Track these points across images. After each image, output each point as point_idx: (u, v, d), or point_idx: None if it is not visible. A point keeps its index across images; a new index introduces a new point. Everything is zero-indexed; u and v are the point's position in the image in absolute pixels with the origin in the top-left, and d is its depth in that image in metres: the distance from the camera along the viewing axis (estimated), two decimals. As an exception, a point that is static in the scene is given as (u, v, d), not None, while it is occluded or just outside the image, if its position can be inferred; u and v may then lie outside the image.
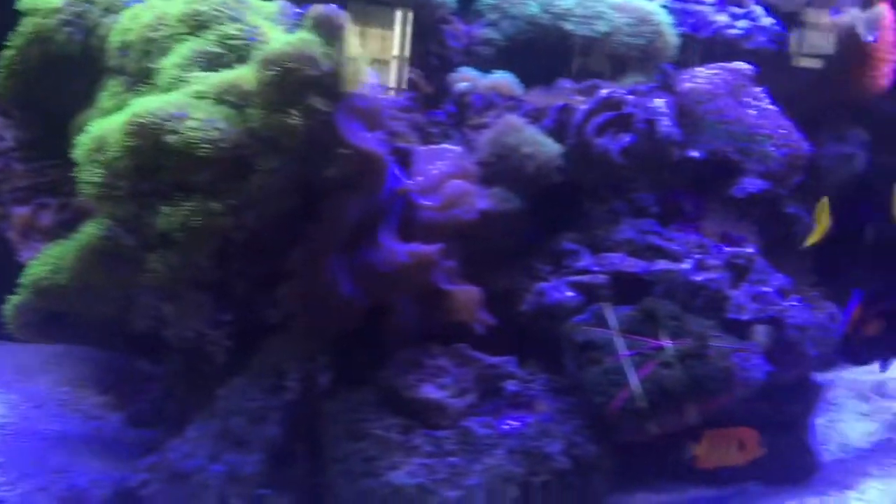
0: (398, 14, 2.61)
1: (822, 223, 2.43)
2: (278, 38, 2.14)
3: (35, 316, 2.26)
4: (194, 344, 2.21)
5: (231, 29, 2.21)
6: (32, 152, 2.75)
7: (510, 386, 2.26)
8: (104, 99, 2.47)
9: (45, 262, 2.19)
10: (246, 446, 2.10)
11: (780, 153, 2.66)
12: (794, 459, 2.49)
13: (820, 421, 2.64)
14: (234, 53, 2.19)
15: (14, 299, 2.24)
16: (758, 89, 2.76)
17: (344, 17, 2.07)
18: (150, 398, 2.60)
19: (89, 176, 2.06)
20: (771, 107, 2.75)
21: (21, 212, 2.67)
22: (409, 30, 2.63)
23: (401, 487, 2.07)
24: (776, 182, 2.66)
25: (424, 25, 2.67)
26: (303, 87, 2.00)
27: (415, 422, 2.15)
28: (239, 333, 2.19)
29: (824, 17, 2.88)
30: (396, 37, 2.62)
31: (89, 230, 2.12)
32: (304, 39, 2.01)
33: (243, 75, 2.10)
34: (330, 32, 2.05)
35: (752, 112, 2.69)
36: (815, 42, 2.93)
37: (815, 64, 2.98)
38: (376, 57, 2.68)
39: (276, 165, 2.02)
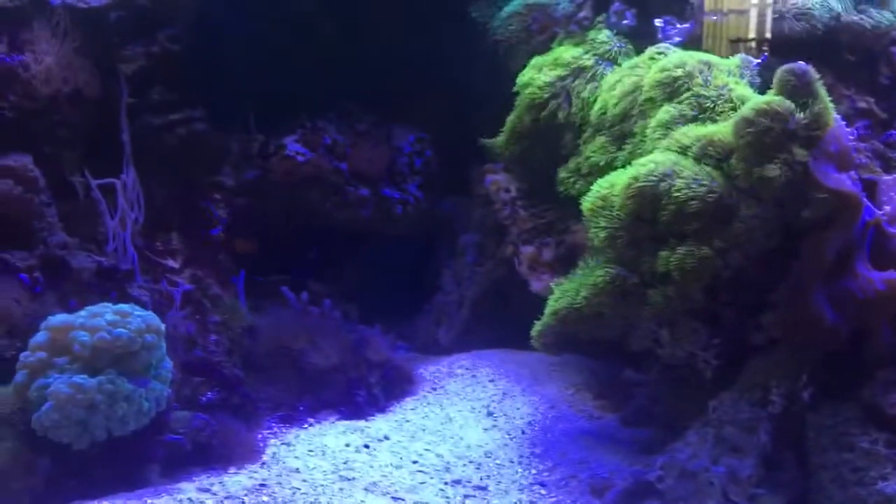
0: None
1: None
2: (748, 96, 2.43)
3: (555, 337, 2.83)
4: (685, 362, 2.60)
5: (702, 91, 2.56)
6: (531, 199, 3.41)
7: None
8: (589, 152, 2.99)
9: (562, 294, 2.73)
10: (741, 451, 2.44)
11: None
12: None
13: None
14: (706, 113, 2.54)
15: (539, 324, 2.82)
16: None
17: (812, 72, 2.30)
18: (638, 403, 3.08)
19: (596, 226, 2.54)
20: None
21: (528, 250, 3.33)
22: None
23: (892, 497, 2.25)
24: None
25: (872, 49, 2.76)
26: (779, 142, 2.28)
27: (900, 438, 2.31)
28: (726, 353, 2.53)
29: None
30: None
31: (599, 271, 2.61)
32: (775, 100, 2.28)
33: (719, 132, 2.43)
34: (800, 88, 2.30)
35: None
36: None
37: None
38: (733, 8, 2.76)
39: (756, 212, 2.33)
